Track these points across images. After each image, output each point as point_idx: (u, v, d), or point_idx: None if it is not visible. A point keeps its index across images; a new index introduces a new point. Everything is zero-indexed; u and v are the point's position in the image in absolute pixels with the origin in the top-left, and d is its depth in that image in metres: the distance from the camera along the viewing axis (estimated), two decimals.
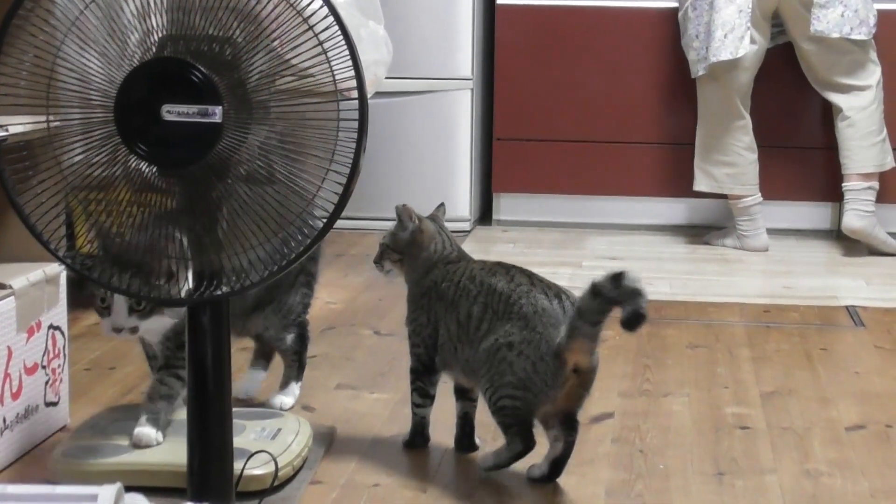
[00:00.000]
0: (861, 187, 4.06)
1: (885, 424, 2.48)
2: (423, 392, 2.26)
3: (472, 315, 2.14)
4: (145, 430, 2.08)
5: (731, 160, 4.18)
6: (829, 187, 4.37)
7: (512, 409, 2.10)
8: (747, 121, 4.16)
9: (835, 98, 4.14)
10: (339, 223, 1.76)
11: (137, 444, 2.07)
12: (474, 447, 2.26)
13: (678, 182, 4.45)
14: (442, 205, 2.39)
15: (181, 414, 1.94)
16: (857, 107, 4.09)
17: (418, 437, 2.29)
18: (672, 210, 4.54)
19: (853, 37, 4.01)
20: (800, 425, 2.47)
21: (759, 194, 4.21)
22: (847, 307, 3.44)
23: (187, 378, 1.86)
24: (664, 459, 2.28)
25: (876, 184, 4.09)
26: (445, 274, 2.21)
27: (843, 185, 4.11)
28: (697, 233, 4.45)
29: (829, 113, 4.26)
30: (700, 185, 4.26)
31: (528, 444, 2.12)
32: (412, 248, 2.26)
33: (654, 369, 2.85)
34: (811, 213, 4.48)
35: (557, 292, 2.12)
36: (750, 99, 4.17)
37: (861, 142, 4.08)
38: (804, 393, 2.68)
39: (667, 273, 3.87)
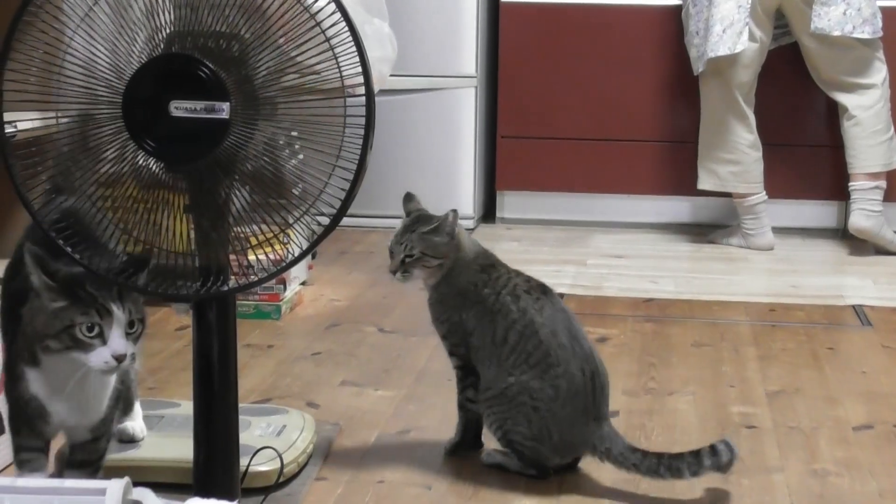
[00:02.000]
0: (868, 187, 4.05)
1: (893, 424, 2.47)
2: (478, 386, 2.19)
3: (507, 341, 2.10)
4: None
5: (734, 158, 4.17)
6: (835, 186, 4.36)
7: (522, 454, 2.13)
8: (750, 118, 4.15)
9: (840, 97, 4.13)
10: (343, 220, 1.76)
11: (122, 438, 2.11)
12: (480, 444, 2.26)
13: (683, 180, 4.45)
14: (413, 196, 2.27)
15: (188, 410, 1.94)
16: (863, 105, 4.08)
17: (470, 439, 2.24)
18: (677, 208, 4.54)
19: (856, 35, 3.99)
20: (807, 424, 2.46)
21: (764, 192, 4.20)
22: (854, 306, 3.43)
23: (193, 375, 1.86)
24: None
25: (883, 183, 4.08)
26: (486, 280, 2.16)
27: (850, 184, 4.10)
28: (702, 231, 4.45)
29: (834, 111, 4.25)
30: (704, 183, 4.25)
31: (544, 475, 2.14)
32: (452, 252, 2.18)
33: (659, 368, 2.84)
34: (817, 212, 4.47)
35: (594, 369, 2.11)
36: (754, 96, 4.16)
37: (867, 141, 4.07)
38: (811, 392, 2.67)
39: (671, 271, 3.86)
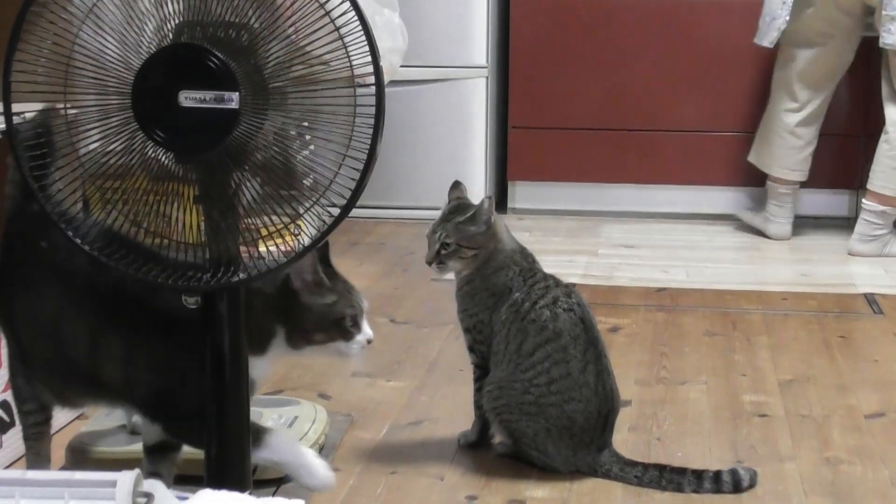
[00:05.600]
0: (874, 209, 3.94)
1: None
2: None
3: (533, 355, 2.08)
4: None
5: (776, 141, 4.12)
6: (847, 175, 4.34)
7: (530, 459, 2.14)
8: (802, 105, 4.07)
9: (886, 107, 3.99)
10: (354, 212, 1.75)
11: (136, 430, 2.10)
12: (491, 437, 2.24)
13: (695, 170, 4.44)
14: (459, 184, 2.23)
15: None
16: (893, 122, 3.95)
17: (486, 436, 2.23)
18: (688, 198, 4.53)
19: None
20: (819, 413, 2.46)
21: (798, 184, 4.15)
22: (865, 295, 3.42)
23: (204, 366, 1.86)
24: (682, 447, 2.27)
25: (892, 209, 3.93)
26: (521, 284, 2.12)
27: (863, 201, 4.00)
28: (714, 220, 4.44)
29: (848, 100, 4.20)
30: (751, 157, 4.22)
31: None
32: (489, 242, 2.15)
33: (670, 357, 2.84)
34: (829, 201, 4.45)
35: (611, 408, 2.11)
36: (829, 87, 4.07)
37: (889, 161, 3.92)
38: (823, 380, 2.67)
39: (683, 261, 3.85)
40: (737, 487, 2.04)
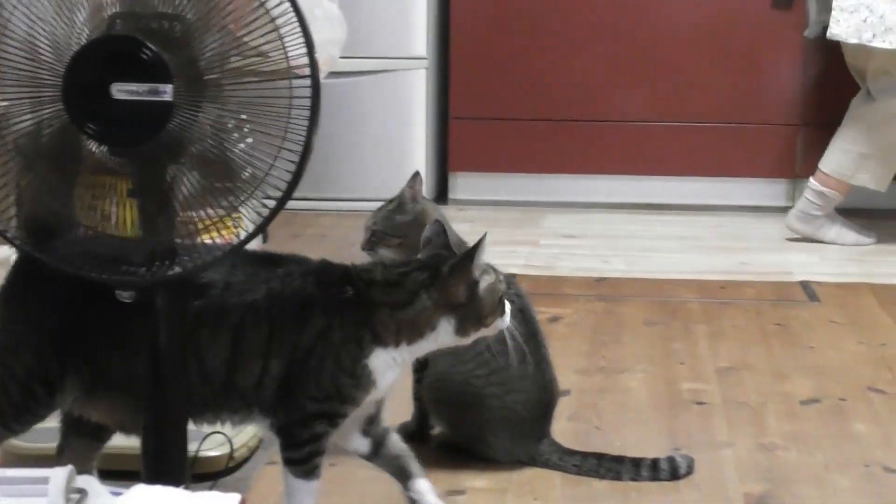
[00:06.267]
0: (815, 188, 3.94)
1: (839, 398, 2.50)
2: None
3: (474, 346, 2.02)
4: None
5: None
6: (784, 164, 4.39)
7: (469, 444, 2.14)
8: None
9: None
10: (295, 204, 1.74)
11: None
12: (431, 428, 2.24)
13: (636, 160, 4.47)
14: (417, 174, 2.23)
15: None
16: (856, 105, 3.95)
17: (426, 427, 2.22)
18: (629, 188, 4.55)
19: (875, 44, 3.72)
20: (755, 400, 2.49)
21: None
22: (802, 282, 3.47)
23: (142, 362, 1.84)
24: (621, 436, 2.29)
25: (835, 193, 3.92)
26: None
27: (810, 179, 4.00)
28: (654, 210, 4.47)
29: (787, 89, 4.24)
30: None
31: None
32: (414, 230, 2.12)
33: (610, 346, 2.86)
34: (767, 190, 4.50)
35: (550, 399, 2.12)
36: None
37: (838, 141, 3.93)
38: (759, 368, 2.70)
39: (623, 250, 3.88)
40: (674, 475, 2.06)
